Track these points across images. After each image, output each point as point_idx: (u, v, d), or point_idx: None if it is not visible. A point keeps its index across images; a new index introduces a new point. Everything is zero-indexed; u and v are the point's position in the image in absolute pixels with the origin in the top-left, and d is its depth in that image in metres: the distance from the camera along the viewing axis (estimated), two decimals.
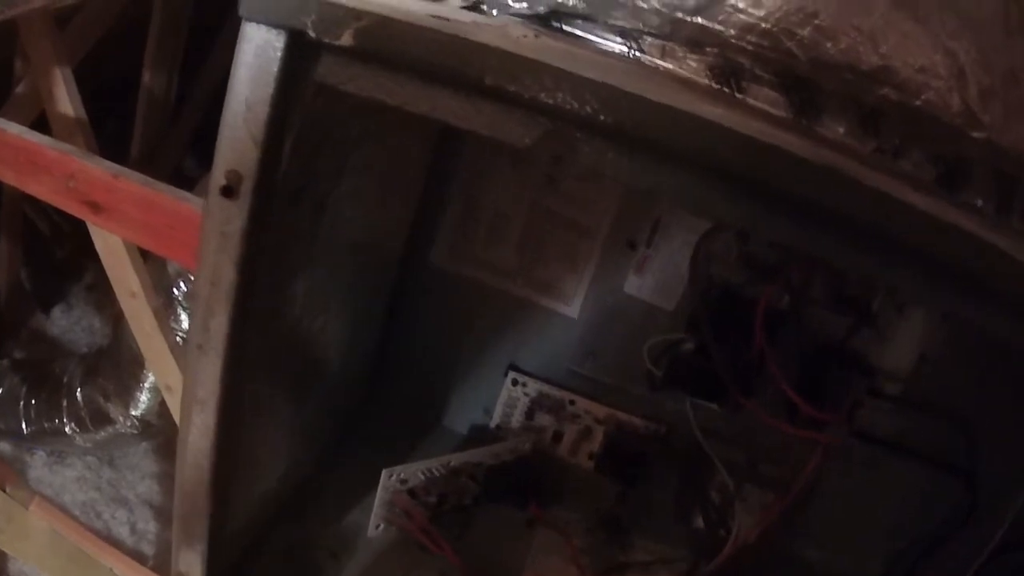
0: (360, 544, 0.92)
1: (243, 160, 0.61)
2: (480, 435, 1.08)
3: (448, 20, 0.62)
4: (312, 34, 0.58)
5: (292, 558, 0.89)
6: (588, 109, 0.55)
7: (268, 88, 0.59)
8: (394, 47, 0.57)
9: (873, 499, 1.01)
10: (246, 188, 0.61)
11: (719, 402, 0.97)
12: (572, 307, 1.03)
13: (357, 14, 0.57)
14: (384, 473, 0.90)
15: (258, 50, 0.59)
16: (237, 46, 0.60)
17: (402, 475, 0.91)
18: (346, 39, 0.57)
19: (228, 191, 0.61)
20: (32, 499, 1.63)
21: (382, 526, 0.93)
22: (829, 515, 1.03)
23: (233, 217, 0.62)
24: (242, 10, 0.59)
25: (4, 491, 1.64)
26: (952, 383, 0.94)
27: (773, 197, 0.56)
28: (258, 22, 0.59)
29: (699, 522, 1.02)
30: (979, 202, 0.69)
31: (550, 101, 0.55)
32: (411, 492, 0.92)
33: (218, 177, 0.61)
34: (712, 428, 1.01)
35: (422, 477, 0.92)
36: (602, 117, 0.55)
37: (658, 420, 1.04)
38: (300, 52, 0.59)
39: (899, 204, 0.56)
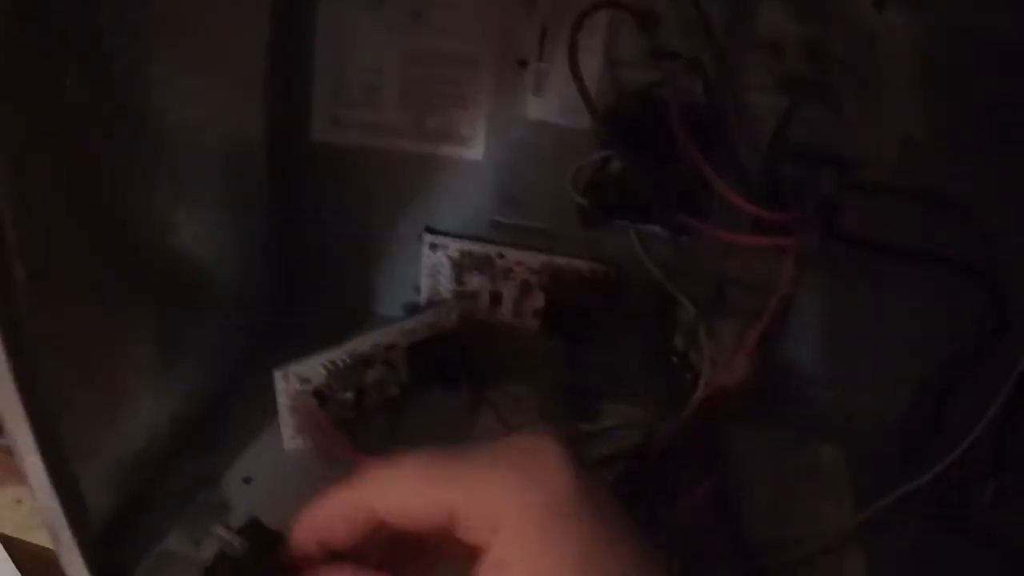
0: (275, 462, 0.80)
1: None
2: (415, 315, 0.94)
3: None
4: None
5: (201, 489, 0.77)
6: None
7: None
8: None
9: (878, 319, 0.85)
10: None
11: (660, 223, 0.83)
12: (475, 150, 0.89)
13: None
14: (276, 375, 0.77)
15: None
16: None
17: (299, 373, 0.78)
18: None
19: None
20: None
21: (297, 437, 0.81)
22: (830, 346, 0.88)
23: None
24: None
25: None
26: (950, 169, 0.77)
27: None
28: None
29: (667, 372, 0.88)
30: None
31: None
32: (318, 393, 0.79)
33: None
34: (667, 261, 0.87)
35: (323, 372, 0.79)
36: None
37: (605, 261, 0.89)
38: None
39: None
